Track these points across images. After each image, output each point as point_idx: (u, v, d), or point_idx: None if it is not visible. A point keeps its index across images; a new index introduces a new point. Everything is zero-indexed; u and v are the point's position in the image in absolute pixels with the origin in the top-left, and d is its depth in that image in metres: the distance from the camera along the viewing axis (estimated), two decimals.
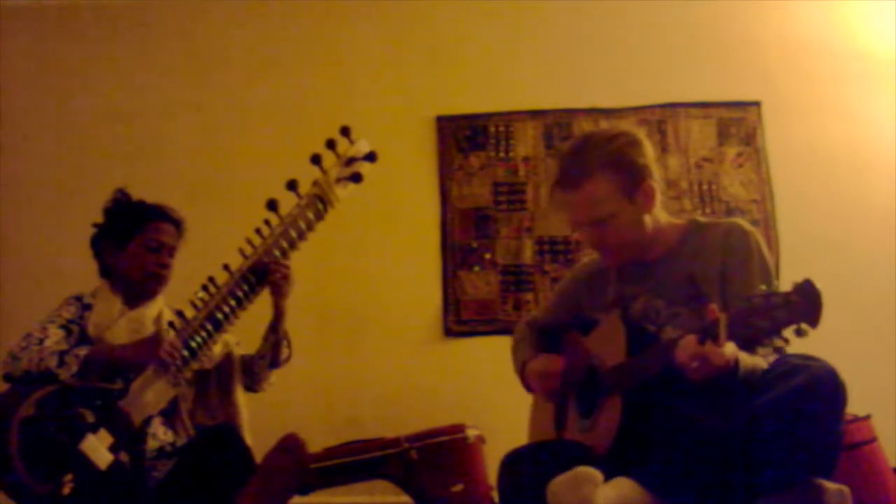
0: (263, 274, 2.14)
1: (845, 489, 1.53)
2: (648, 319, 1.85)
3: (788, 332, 1.42)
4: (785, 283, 1.46)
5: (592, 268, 2.06)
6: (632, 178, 1.81)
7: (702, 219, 1.93)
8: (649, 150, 1.87)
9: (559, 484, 1.60)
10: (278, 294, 2.23)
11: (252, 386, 2.42)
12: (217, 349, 2.28)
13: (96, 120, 3.72)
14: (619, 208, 1.81)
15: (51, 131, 3.73)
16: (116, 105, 3.73)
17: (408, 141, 3.62)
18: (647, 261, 1.89)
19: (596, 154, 1.82)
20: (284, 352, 2.38)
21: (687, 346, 1.52)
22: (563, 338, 2.12)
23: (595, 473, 1.59)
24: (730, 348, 1.49)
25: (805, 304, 1.38)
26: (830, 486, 1.52)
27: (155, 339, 2.05)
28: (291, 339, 2.39)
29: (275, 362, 2.38)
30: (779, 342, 1.49)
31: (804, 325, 1.39)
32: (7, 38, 3.80)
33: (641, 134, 1.90)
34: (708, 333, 1.49)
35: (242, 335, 2.39)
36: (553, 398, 2.03)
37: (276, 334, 2.33)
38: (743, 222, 1.85)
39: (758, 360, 1.61)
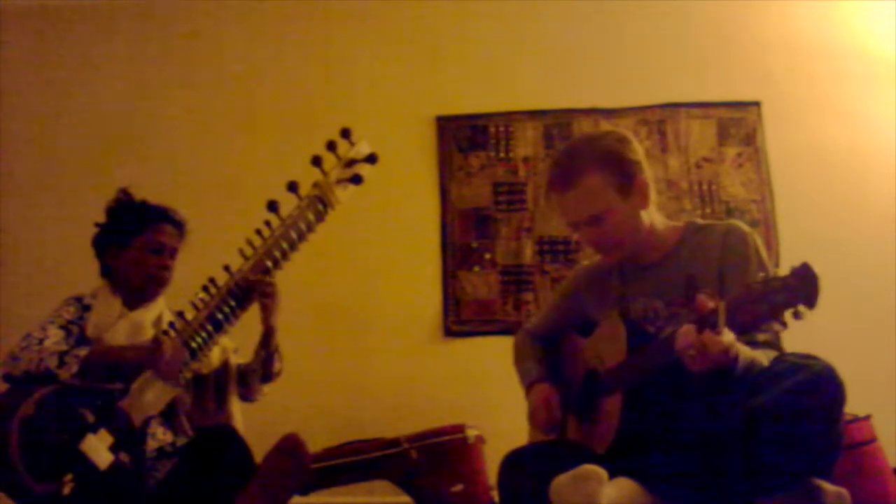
0: (251, 289, 2.13)
1: (844, 492, 1.53)
2: (648, 320, 1.85)
3: (787, 318, 1.41)
4: None
5: (593, 270, 2.07)
6: (624, 174, 1.82)
7: (700, 220, 1.93)
8: (639, 148, 1.88)
9: (563, 482, 1.60)
10: (266, 311, 2.23)
11: (246, 396, 2.42)
12: (216, 355, 2.28)
13: (97, 119, 3.73)
14: (615, 204, 1.81)
15: (51, 131, 3.74)
16: (117, 105, 3.74)
17: (408, 141, 3.62)
18: (646, 263, 1.89)
19: (587, 151, 1.83)
20: (276, 365, 2.38)
21: (685, 335, 1.52)
22: (561, 345, 2.13)
23: (599, 471, 1.58)
24: (728, 337, 1.48)
25: (802, 286, 1.38)
26: (830, 488, 1.52)
27: (155, 351, 2.01)
28: (293, 340, 2.39)
29: (266, 376, 2.38)
30: (777, 327, 1.48)
31: (801, 308, 1.38)
32: (7, 38, 3.80)
33: (629, 133, 1.91)
34: (706, 322, 1.49)
35: (243, 339, 2.39)
36: (543, 432, 2.05)
37: (266, 349, 2.34)
38: (741, 224, 1.84)
39: (758, 354, 1.60)
